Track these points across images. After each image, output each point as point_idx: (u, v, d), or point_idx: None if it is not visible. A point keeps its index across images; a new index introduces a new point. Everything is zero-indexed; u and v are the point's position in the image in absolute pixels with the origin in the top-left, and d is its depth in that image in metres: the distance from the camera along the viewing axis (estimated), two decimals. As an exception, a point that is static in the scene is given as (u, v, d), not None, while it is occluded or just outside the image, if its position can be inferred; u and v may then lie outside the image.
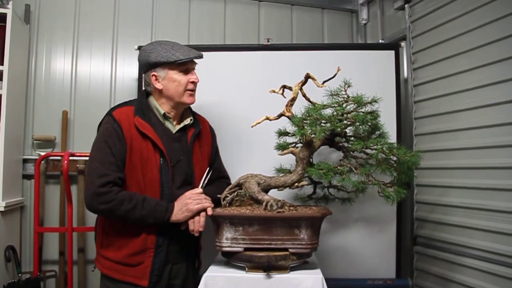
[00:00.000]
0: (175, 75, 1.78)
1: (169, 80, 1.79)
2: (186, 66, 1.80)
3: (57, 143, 2.76)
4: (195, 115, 1.96)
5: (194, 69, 1.84)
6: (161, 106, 1.83)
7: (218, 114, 2.33)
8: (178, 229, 1.74)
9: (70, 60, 2.81)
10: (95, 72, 2.83)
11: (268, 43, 2.48)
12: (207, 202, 1.71)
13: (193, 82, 1.81)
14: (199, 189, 1.75)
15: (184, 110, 1.91)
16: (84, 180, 1.76)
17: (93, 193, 1.64)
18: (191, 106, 1.93)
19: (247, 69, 2.42)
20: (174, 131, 1.84)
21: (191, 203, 1.69)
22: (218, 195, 1.79)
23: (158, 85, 1.80)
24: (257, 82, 2.36)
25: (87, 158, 2.63)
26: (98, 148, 1.72)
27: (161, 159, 1.75)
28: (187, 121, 1.88)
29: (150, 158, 1.74)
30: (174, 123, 1.86)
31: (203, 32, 2.99)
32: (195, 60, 1.84)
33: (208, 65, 2.31)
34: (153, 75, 1.80)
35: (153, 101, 1.85)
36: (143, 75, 1.86)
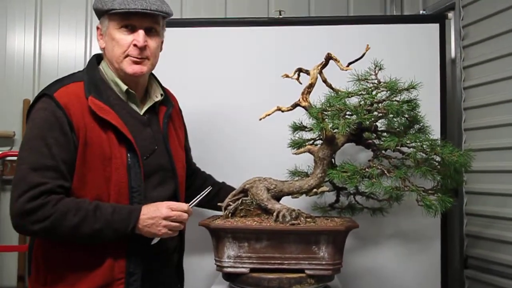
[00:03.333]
0: (114, 30, 1.68)
1: (108, 37, 1.71)
2: (129, 21, 1.67)
3: (17, 140, 2.85)
4: (164, 89, 1.89)
5: (151, 30, 1.71)
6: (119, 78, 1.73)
7: (217, 104, 2.40)
8: (156, 248, 1.68)
9: (31, 36, 2.90)
10: (65, 51, 2.92)
11: (280, 16, 2.52)
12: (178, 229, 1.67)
13: (135, 46, 1.68)
14: (183, 206, 1.67)
15: (150, 83, 1.83)
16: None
17: (20, 212, 1.51)
18: (158, 78, 1.89)
19: (254, 48, 2.47)
20: (141, 113, 1.77)
21: (162, 226, 1.61)
22: (219, 204, 1.85)
23: (101, 43, 1.76)
24: (267, 64, 2.41)
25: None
26: (31, 146, 1.57)
27: (129, 154, 1.65)
28: (157, 96, 1.82)
29: (114, 154, 1.63)
30: (138, 101, 1.79)
31: (200, 3, 3.05)
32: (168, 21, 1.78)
33: (206, 44, 2.36)
34: (97, 27, 1.76)
35: (108, 70, 1.75)
36: None
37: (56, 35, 2.91)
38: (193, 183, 2.04)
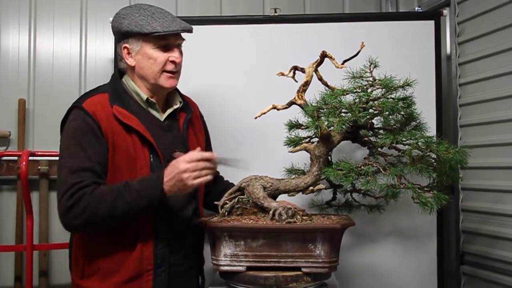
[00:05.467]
0: (150, 50, 1.82)
1: (143, 56, 1.83)
2: (166, 41, 1.82)
3: (13, 140, 2.83)
4: (183, 97, 2.01)
5: (179, 45, 1.88)
6: (140, 89, 1.88)
7: (213, 103, 2.40)
8: (180, 240, 1.83)
9: (26, 35, 2.88)
10: (60, 51, 2.90)
11: (276, 14, 2.53)
12: (208, 173, 1.70)
13: (173, 62, 1.84)
14: (197, 153, 1.71)
15: (170, 93, 1.96)
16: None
17: (63, 210, 1.66)
18: (178, 87, 1.97)
19: (249, 46, 2.48)
20: (162, 119, 1.91)
21: (187, 177, 1.65)
22: (216, 202, 1.86)
23: (130, 61, 1.86)
24: (262, 62, 2.42)
25: (51, 158, 2.73)
26: (69, 153, 1.73)
27: (151, 155, 1.80)
28: (176, 104, 1.95)
29: (138, 155, 1.78)
30: (160, 109, 1.92)
31: (195, 1, 3.05)
32: (182, 35, 1.88)
33: (200, 42, 2.36)
34: (125, 47, 1.85)
35: (129, 82, 1.90)
36: (117, 46, 1.93)
37: (51, 34, 2.90)
38: (213, 189, 2.11)
